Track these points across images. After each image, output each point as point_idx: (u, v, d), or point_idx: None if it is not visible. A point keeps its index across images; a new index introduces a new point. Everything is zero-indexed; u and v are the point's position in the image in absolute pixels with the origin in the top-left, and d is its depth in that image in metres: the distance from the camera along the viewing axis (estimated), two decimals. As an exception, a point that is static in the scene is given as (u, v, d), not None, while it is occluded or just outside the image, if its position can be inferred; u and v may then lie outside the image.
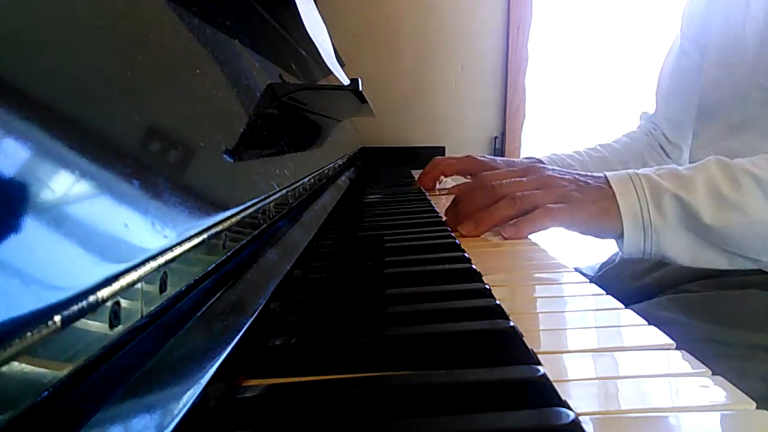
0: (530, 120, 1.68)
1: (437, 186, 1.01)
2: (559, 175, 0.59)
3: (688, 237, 0.54)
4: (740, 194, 0.52)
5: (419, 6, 1.63)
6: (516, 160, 0.99)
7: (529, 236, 0.57)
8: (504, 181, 0.58)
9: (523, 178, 0.58)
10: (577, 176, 0.59)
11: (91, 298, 0.15)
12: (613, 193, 0.55)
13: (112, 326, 0.17)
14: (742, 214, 0.52)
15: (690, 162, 0.77)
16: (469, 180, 0.92)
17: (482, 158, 0.95)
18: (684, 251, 0.55)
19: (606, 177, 0.57)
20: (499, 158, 0.97)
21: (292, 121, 0.53)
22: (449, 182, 1.06)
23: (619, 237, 0.55)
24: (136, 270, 0.18)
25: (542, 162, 0.92)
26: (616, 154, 0.98)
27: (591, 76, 1.75)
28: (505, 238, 0.56)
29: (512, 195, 0.56)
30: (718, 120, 0.74)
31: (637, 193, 0.54)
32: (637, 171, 0.57)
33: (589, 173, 0.60)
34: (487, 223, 0.57)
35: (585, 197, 0.56)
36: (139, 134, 0.23)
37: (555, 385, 0.22)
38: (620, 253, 0.88)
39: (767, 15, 0.66)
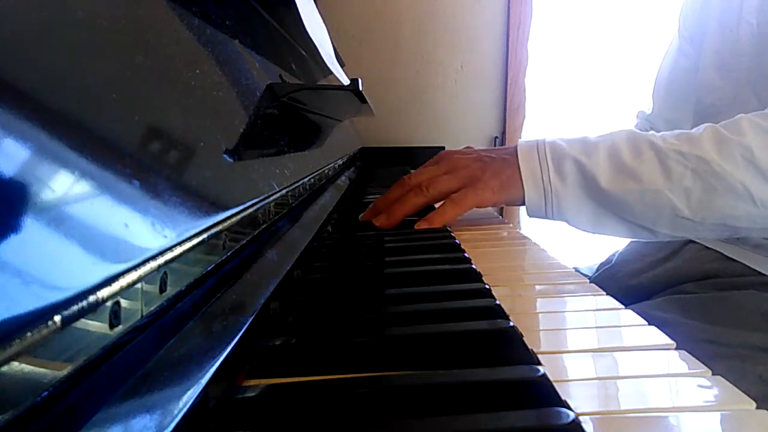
0: (530, 120, 1.68)
1: None
2: (464, 156, 0.61)
3: (587, 203, 0.55)
4: (638, 162, 0.53)
5: (419, 6, 1.63)
6: (493, 148, 0.98)
7: (528, 235, 0.58)
8: (416, 173, 0.61)
9: (433, 167, 0.61)
10: (483, 153, 0.61)
11: (91, 298, 0.15)
12: (518, 161, 0.57)
13: (112, 326, 0.17)
14: (636, 182, 0.53)
15: None
16: None
17: (454, 152, 0.93)
18: (584, 217, 0.56)
19: (515, 146, 0.59)
20: (471, 149, 0.95)
21: (292, 121, 0.53)
22: None
23: (524, 202, 0.57)
24: (136, 270, 0.18)
25: None
26: None
27: (591, 76, 1.75)
28: (416, 229, 0.58)
29: (419, 184, 0.59)
30: (714, 122, 0.74)
31: (539, 158, 0.56)
32: (546, 138, 0.58)
33: (502, 147, 0.62)
34: (398, 213, 0.59)
35: (488, 173, 0.58)
36: (139, 134, 0.23)
37: (555, 385, 0.22)
38: (618, 253, 0.89)
39: (760, 20, 0.66)
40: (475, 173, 0.58)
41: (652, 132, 0.56)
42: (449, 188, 0.58)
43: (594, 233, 0.58)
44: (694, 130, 0.55)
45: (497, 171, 0.58)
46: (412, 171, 0.65)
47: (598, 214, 0.55)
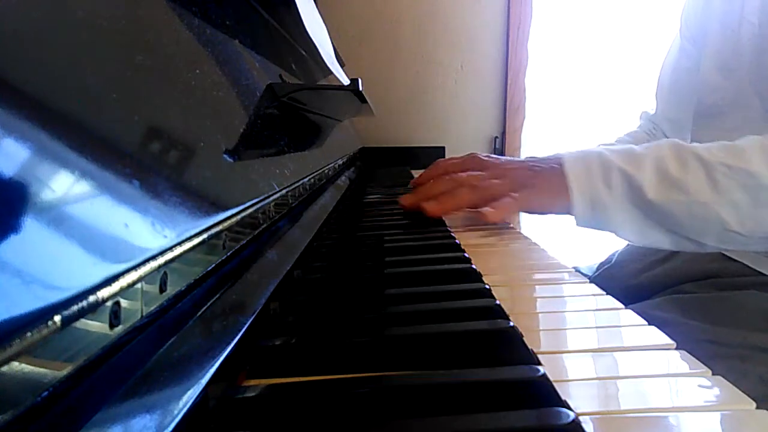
0: (530, 120, 1.68)
1: None
2: (513, 165, 0.62)
3: (634, 213, 0.56)
4: (685, 174, 0.54)
5: (419, 6, 1.63)
6: (517, 158, 0.99)
7: (528, 235, 0.58)
8: (462, 173, 0.63)
9: (484, 171, 0.62)
10: (530, 162, 0.62)
11: (91, 298, 0.15)
12: (565, 171, 0.58)
13: (112, 326, 0.17)
14: (683, 194, 0.53)
15: None
16: None
17: (485, 157, 0.95)
18: (630, 227, 0.56)
19: (562, 156, 0.60)
20: (503, 157, 0.97)
21: (292, 121, 0.53)
22: None
23: (572, 212, 0.58)
24: (136, 270, 0.18)
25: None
26: None
27: (591, 76, 1.75)
28: (488, 220, 0.59)
29: (470, 183, 0.60)
30: (716, 122, 0.74)
31: (587, 168, 0.57)
32: (592, 148, 0.59)
33: (546, 157, 0.62)
34: (449, 204, 0.60)
35: (537, 181, 0.59)
36: (139, 134, 0.23)
37: (555, 385, 0.22)
38: (618, 253, 0.89)
39: (761, 20, 0.66)
40: (526, 181, 0.59)
41: (696, 144, 0.57)
42: (500, 193, 0.59)
43: (639, 244, 0.58)
44: (739, 141, 0.55)
45: (547, 180, 0.59)
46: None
47: (644, 225, 0.56)
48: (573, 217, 0.58)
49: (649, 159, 0.56)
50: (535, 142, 1.70)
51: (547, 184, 0.58)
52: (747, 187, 0.52)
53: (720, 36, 0.74)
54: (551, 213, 0.60)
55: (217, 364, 0.21)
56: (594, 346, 0.29)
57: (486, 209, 0.59)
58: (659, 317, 0.61)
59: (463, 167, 0.64)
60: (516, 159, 0.65)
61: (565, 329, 0.33)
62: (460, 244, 0.49)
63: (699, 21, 0.83)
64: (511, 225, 0.70)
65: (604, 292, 0.38)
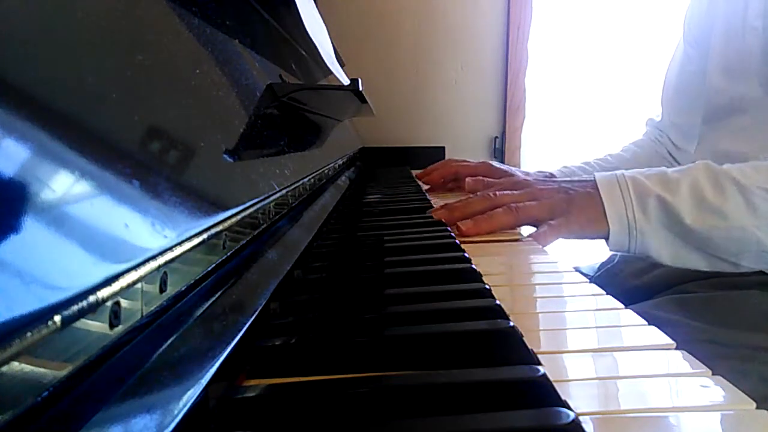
0: (530, 120, 1.68)
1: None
2: (547, 187, 0.62)
3: (669, 238, 0.57)
4: (722, 199, 0.54)
5: (419, 6, 1.63)
6: (530, 172, 0.99)
7: (525, 233, 0.59)
8: (498, 193, 0.62)
9: (519, 193, 0.62)
10: (565, 186, 0.62)
11: (91, 298, 0.15)
12: (600, 198, 0.58)
13: (112, 326, 0.17)
14: (722, 219, 0.54)
15: None
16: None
17: (499, 166, 0.95)
18: (666, 251, 0.57)
19: (594, 180, 0.60)
20: (516, 168, 0.97)
21: (292, 121, 0.53)
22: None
23: (607, 237, 0.58)
24: (136, 270, 0.18)
25: (554, 176, 0.93)
26: (625, 164, 0.98)
27: (591, 76, 1.75)
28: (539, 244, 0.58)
29: (509, 205, 0.60)
30: (723, 125, 0.74)
31: (622, 194, 0.57)
32: (624, 172, 0.60)
33: (577, 179, 0.63)
34: (485, 226, 0.60)
35: (573, 208, 0.59)
36: (139, 134, 0.23)
37: (555, 385, 0.22)
38: (618, 254, 0.89)
39: (766, 24, 0.66)
40: (562, 206, 0.59)
41: (727, 165, 0.57)
42: (537, 217, 0.59)
43: (673, 265, 0.59)
44: None
45: (583, 206, 0.59)
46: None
47: (681, 250, 0.57)
48: (607, 241, 0.59)
49: (685, 184, 0.56)
50: (535, 142, 1.70)
51: (583, 211, 0.59)
52: None
53: (724, 40, 0.74)
54: (586, 238, 0.61)
55: (217, 364, 0.21)
56: (594, 346, 0.29)
57: (534, 235, 0.59)
58: (659, 317, 0.61)
59: (493, 184, 0.65)
60: (547, 179, 0.65)
61: (565, 329, 0.33)
62: (460, 244, 0.49)
63: (702, 25, 0.83)
64: None
65: (605, 292, 0.38)
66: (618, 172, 0.60)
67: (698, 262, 0.58)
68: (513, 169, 0.97)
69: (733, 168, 0.57)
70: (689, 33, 0.89)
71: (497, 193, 0.62)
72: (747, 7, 0.69)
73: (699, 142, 0.82)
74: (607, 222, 0.57)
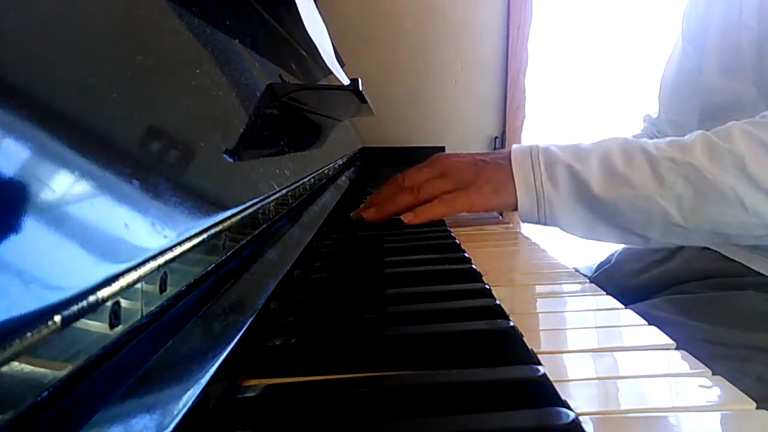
0: (530, 120, 1.68)
1: None
2: (459, 160, 0.61)
3: (579, 209, 0.56)
4: (630, 169, 0.54)
5: (419, 6, 1.63)
6: (488, 152, 0.98)
7: (528, 235, 0.58)
8: (410, 174, 0.62)
9: (428, 169, 0.62)
10: (477, 157, 0.61)
11: (91, 298, 0.15)
12: (511, 168, 0.57)
13: (112, 326, 0.17)
14: (628, 188, 0.53)
15: None
16: None
17: (440, 156, 0.93)
18: (577, 222, 0.56)
19: (509, 151, 0.59)
20: (462, 153, 0.95)
21: (292, 121, 0.53)
22: None
23: (516, 208, 0.57)
24: (136, 270, 0.18)
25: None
26: None
27: (591, 76, 1.75)
28: (405, 223, 0.59)
29: (412, 186, 0.60)
30: (719, 123, 0.74)
31: (532, 164, 0.57)
32: (540, 144, 0.59)
33: (497, 152, 0.63)
34: (388, 210, 0.60)
35: (481, 178, 0.58)
36: (139, 134, 0.23)
37: (555, 385, 0.22)
38: (617, 253, 0.89)
39: (761, 24, 0.66)
40: (469, 177, 0.59)
41: (644, 139, 0.57)
42: (441, 191, 0.59)
43: (586, 239, 0.58)
44: (686, 137, 0.55)
45: (490, 176, 0.58)
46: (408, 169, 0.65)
47: (590, 220, 0.56)
48: (519, 213, 0.58)
49: (595, 154, 0.56)
50: (534, 142, 1.70)
51: (491, 182, 0.58)
52: (690, 180, 0.52)
53: (720, 39, 0.74)
54: (496, 210, 0.60)
55: (217, 364, 0.21)
56: (594, 346, 0.29)
57: (406, 214, 0.59)
58: (659, 317, 0.61)
59: (416, 170, 0.64)
60: (466, 153, 0.64)
61: (565, 329, 0.33)
62: (460, 244, 0.49)
63: (699, 23, 0.83)
64: (510, 223, 0.70)
65: (604, 292, 0.38)
66: (534, 144, 0.59)
67: (610, 235, 0.56)
68: (458, 154, 0.95)
69: (649, 141, 0.56)
70: (687, 31, 0.89)
71: (407, 176, 0.62)
72: (742, 6, 0.69)
73: None
74: (516, 191, 0.56)
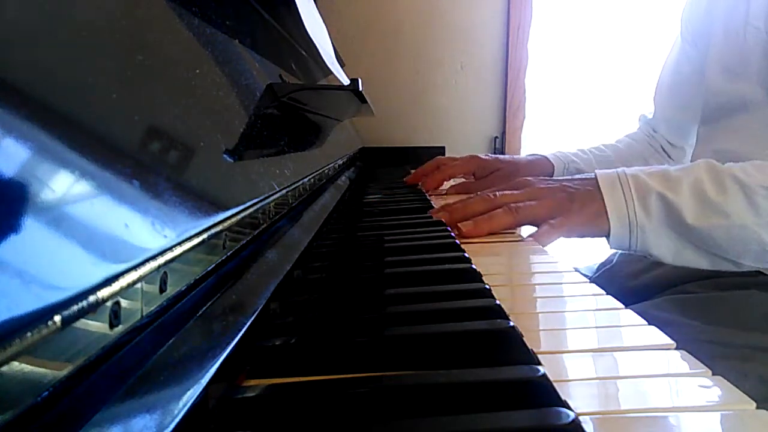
0: (530, 120, 1.68)
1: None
2: (548, 186, 0.62)
3: (671, 236, 0.56)
4: (724, 198, 0.54)
5: (419, 6, 1.63)
6: (519, 157, 0.99)
7: (525, 233, 0.59)
8: (498, 193, 0.62)
9: (519, 192, 0.62)
10: (566, 184, 0.62)
11: (91, 298, 0.15)
12: (602, 195, 0.58)
13: (112, 326, 0.17)
14: (723, 217, 0.54)
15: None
16: (471, 179, 0.94)
17: (485, 157, 0.96)
18: (667, 249, 0.57)
19: (595, 177, 0.60)
20: (502, 156, 0.98)
21: (292, 121, 0.53)
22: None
23: (608, 235, 0.58)
24: (136, 270, 0.18)
25: (548, 158, 0.93)
26: (619, 154, 0.98)
27: (591, 77, 1.75)
28: (535, 241, 0.59)
29: (508, 205, 0.60)
30: (723, 124, 0.74)
31: (623, 192, 0.57)
32: (626, 170, 0.59)
33: (578, 177, 0.63)
34: (485, 227, 0.60)
35: (576, 206, 0.59)
36: (139, 134, 0.23)
37: (555, 385, 0.22)
38: (618, 254, 0.89)
39: None
40: (563, 204, 0.59)
41: (729, 164, 0.57)
42: (537, 216, 0.59)
43: (674, 264, 0.59)
44: None
45: (583, 204, 0.59)
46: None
47: (682, 248, 0.57)
48: (607, 241, 0.59)
49: (687, 182, 0.56)
50: (534, 142, 1.70)
51: (583, 209, 0.58)
52: None
53: (724, 40, 0.74)
54: (587, 237, 0.60)
55: (217, 365, 0.21)
56: (594, 346, 0.29)
57: (533, 235, 0.59)
58: (659, 317, 0.61)
59: (488, 182, 0.65)
60: (551, 179, 0.65)
61: (565, 329, 0.33)
62: (460, 244, 0.49)
63: (701, 24, 0.83)
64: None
65: (604, 292, 0.38)
66: (619, 169, 0.60)
67: (700, 261, 0.57)
68: (501, 157, 0.97)
69: (735, 166, 0.56)
70: (687, 32, 0.89)
71: (497, 193, 0.62)
72: (749, 6, 0.69)
73: (698, 141, 0.82)
74: (608, 219, 0.57)
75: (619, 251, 0.89)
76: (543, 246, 0.58)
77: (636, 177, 0.58)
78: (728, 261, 0.57)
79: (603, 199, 0.57)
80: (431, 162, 1.00)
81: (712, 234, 0.55)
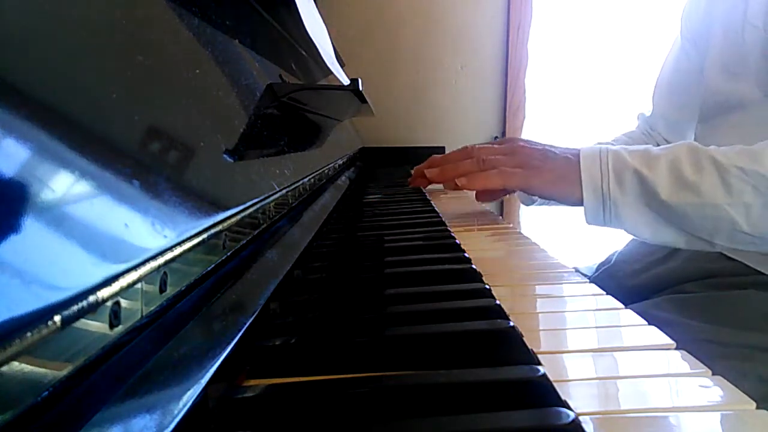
0: (530, 120, 1.68)
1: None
2: (528, 145, 0.64)
3: (646, 212, 0.57)
4: (699, 176, 0.55)
5: (419, 6, 1.63)
6: (560, 147, 1.00)
7: (528, 235, 0.58)
8: (479, 147, 0.65)
9: (498, 146, 0.65)
10: (548, 148, 0.63)
11: (91, 298, 0.15)
12: (578, 164, 0.59)
13: (112, 326, 0.17)
14: (697, 195, 0.54)
15: None
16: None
17: (480, 146, 0.96)
18: (643, 226, 0.58)
19: (579, 150, 0.61)
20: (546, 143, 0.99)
21: (292, 121, 0.53)
22: None
23: (580, 205, 0.59)
24: (136, 270, 0.18)
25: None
26: None
27: (591, 76, 1.75)
28: (458, 186, 0.63)
29: (478, 156, 0.63)
30: (720, 122, 0.74)
31: (600, 164, 0.58)
32: (609, 147, 0.60)
33: (566, 148, 0.64)
34: (450, 173, 0.64)
35: (545, 165, 0.60)
36: (139, 134, 0.23)
37: (555, 385, 0.22)
38: (617, 253, 0.89)
39: (766, 24, 0.65)
40: (535, 161, 0.61)
41: (713, 147, 0.58)
42: (504, 165, 0.61)
43: (652, 242, 0.60)
44: (755, 146, 0.56)
45: (556, 166, 0.60)
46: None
47: (656, 224, 0.57)
48: (584, 214, 0.59)
49: (664, 160, 0.57)
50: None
51: (554, 171, 0.60)
52: (759, 190, 0.52)
53: (723, 39, 0.74)
54: (551, 198, 0.61)
55: (217, 364, 0.21)
56: (594, 346, 0.29)
57: (461, 178, 0.62)
58: (659, 317, 0.61)
59: (490, 145, 0.68)
60: (538, 142, 0.66)
61: (565, 329, 0.33)
62: (460, 244, 0.49)
63: (700, 23, 0.83)
64: (510, 224, 0.71)
65: (604, 292, 0.38)
66: (603, 146, 0.61)
67: (677, 240, 0.58)
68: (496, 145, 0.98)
69: (716, 149, 0.57)
70: (687, 30, 0.89)
71: (477, 146, 0.65)
72: (747, 5, 0.69)
73: (695, 139, 0.82)
74: (581, 190, 0.58)
75: (618, 251, 0.89)
76: (486, 187, 0.61)
77: (617, 153, 0.59)
78: (703, 240, 0.57)
79: (579, 170, 0.58)
80: (429, 161, 1.01)
81: (686, 211, 0.55)
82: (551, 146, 0.64)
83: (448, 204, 0.85)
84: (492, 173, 0.61)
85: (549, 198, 0.62)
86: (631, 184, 0.57)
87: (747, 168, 0.53)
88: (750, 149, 0.55)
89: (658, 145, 0.99)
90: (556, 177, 0.60)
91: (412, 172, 0.79)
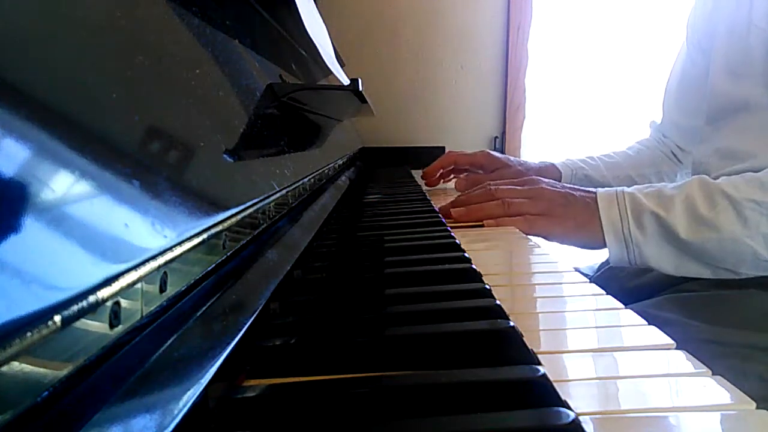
0: (530, 120, 1.68)
1: (441, 182, 1.04)
2: (550, 188, 0.66)
3: (669, 250, 0.60)
4: (714, 213, 0.57)
5: (419, 6, 1.63)
6: (531, 162, 1.01)
7: (528, 236, 0.59)
8: (501, 187, 0.67)
9: (521, 188, 0.66)
10: (569, 191, 0.65)
11: (91, 298, 0.15)
12: (597, 209, 0.62)
13: (112, 326, 0.17)
14: (714, 231, 0.57)
15: (694, 165, 0.78)
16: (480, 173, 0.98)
17: (497, 155, 0.98)
18: (666, 262, 0.61)
19: (595, 193, 0.64)
20: (513, 158, 1.00)
21: (292, 121, 0.53)
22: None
23: (600, 248, 0.62)
24: (136, 270, 0.18)
25: (556, 166, 0.95)
26: (629, 160, 0.99)
27: (591, 77, 1.75)
28: (482, 225, 0.64)
29: (503, 199, 0.65)
30: (726, 123, 0.74)
31: (619, 209, 0.61)
32: (625, 189, 0.63)
33: (583, 189, 0.66)
34: (475, 215, 0.65)
35: (567, 212, 0.63)
36: (139, 134, 0.23)
37: (555, 385, 0.22)
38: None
39: None
40: (556, 208, 0.63)
41: (723, 178, 0.60)
42: (527, 212, 0.63)
43: (680, 275, 0.62)
44: (762, 175, 0.58)
45: (577, 213, 0.63)
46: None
47: (680, 260, 0.60)
48: (609, 257, 0.62)
49: (679, 200, 0.59)
50: (535, 142, 1.70)
51: (575, 218, 0.62)
52: None
53: (728, 41, 0.74)
54: (572, 242, 0.64)
55: (217, 365, 0.21)
56: (594, 346, 0.29)
57: (490, 221, 0.63)
58: (659, 317, 0.61)
59: (495, 176, 0.71)
60: (559, 184, 0.68)
61: (565, 329, 0.33)
62: (460, 244, 0.49)
63: (706, 26, 0.83)
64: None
65: (604, 292, 0.38)
66: (618, 189, 0.63)
67: (701, 271, 0.60)
68: (511, 158, 0.99)
69: (725, 182, 0.59)
70: (693, 36, 0.89)
71: (501, 187, 0.66)
72: (752, 7, 0.69)
73: (701, 141, 0.82)
74: (603, 235, 0.61)
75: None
76: (524, 234, 0.61)
77: (632, 196, 0.61)
78: (727, 270, 0.59)
79: (599, 214, 0.61)
80: (441, 158, 1.03)
81: (706, 247, 0.58)
82: (571, 188, 0.66)
83: (448, 204, 0.85)
84: (518, 220, 0.63)
85: (569, 245, 0.64)
86: (650, 226, 0.59)
87: (760, 200, 0.56)
88: (759, 179, 0.58)
89: (672, 152, 1.00)
90: (576, 225, 0.62)
91: (422, 176, 0.81)
